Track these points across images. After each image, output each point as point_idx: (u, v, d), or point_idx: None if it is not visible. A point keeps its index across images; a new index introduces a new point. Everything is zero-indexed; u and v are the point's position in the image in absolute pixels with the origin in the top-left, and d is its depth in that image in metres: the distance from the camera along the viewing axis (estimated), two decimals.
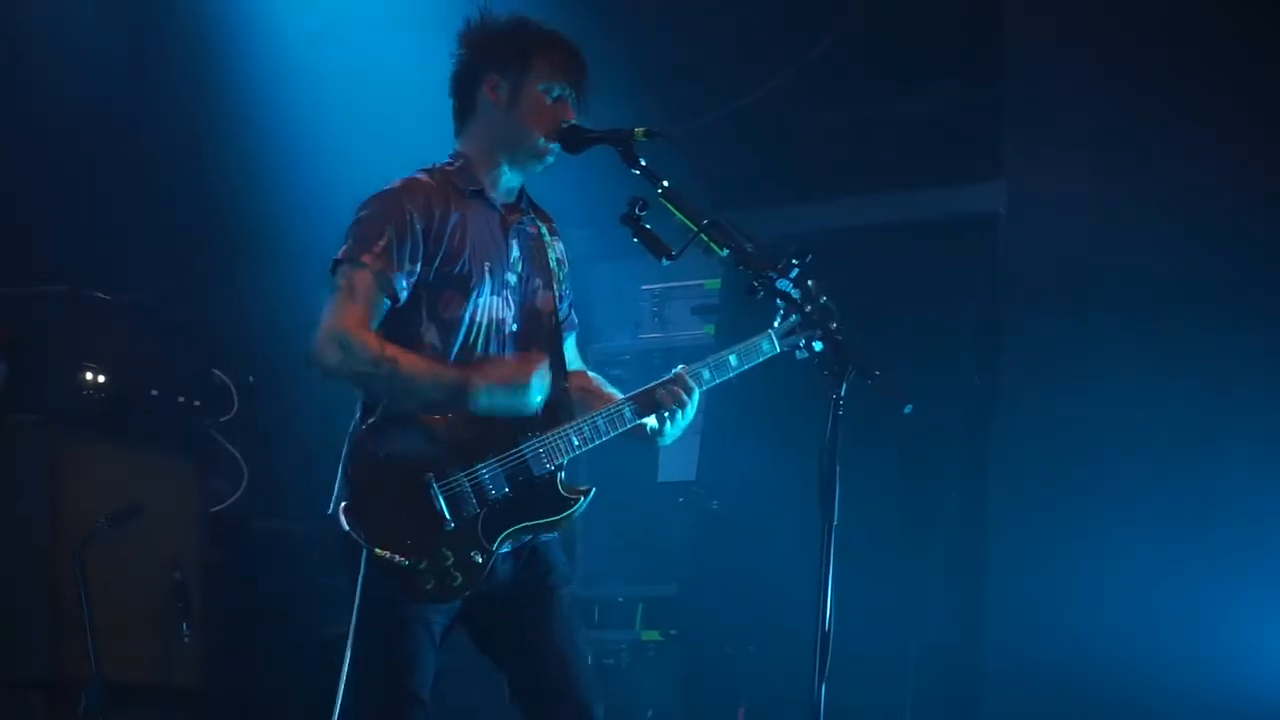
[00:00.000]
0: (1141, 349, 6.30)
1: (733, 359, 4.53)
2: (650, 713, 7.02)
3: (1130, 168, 6.39)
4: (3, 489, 6.60)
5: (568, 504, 4.42)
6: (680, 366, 4.54)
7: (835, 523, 3.87)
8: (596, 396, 4.61)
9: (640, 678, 7.08)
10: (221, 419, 7.42)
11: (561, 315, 4.67)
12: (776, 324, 4.46)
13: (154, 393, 7.15)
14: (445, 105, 4.66)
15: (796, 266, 4.09)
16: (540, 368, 4.36)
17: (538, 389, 4.35)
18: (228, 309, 7.75)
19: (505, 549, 4.40)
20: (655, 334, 7.73)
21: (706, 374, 4.54)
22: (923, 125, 7.36)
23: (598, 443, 4.44)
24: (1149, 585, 6.17)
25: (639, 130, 4.29)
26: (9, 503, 6.59)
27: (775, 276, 4.08)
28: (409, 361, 4.32)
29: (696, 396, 4.50)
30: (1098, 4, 6.56)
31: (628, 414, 4.47)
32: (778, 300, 4.25)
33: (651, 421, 4.49)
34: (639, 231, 4.30)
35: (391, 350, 4.31)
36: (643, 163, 4.28)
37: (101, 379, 6.93)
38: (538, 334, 4.56)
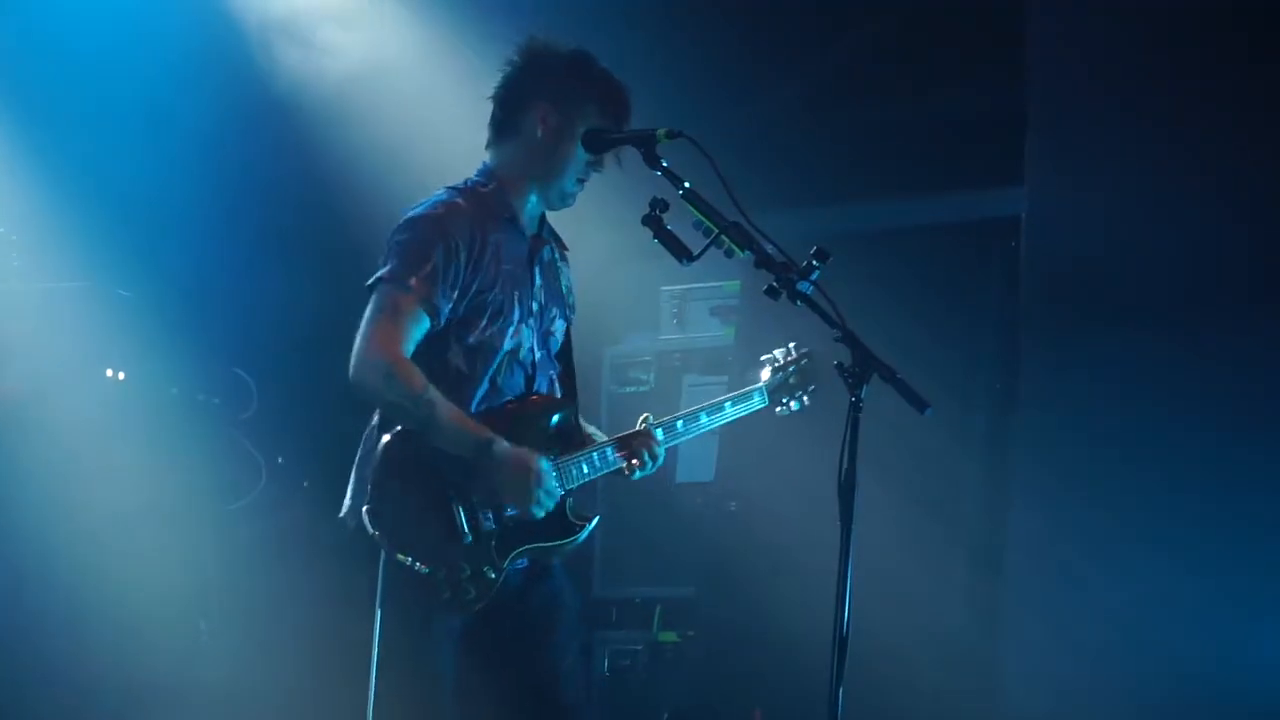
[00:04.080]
0: (1162, 352, 6.28)
1: (704, 416, 4.78)
2: (666, 714, 7.01)
3: (1152, 172, 6.37)
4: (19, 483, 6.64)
5: (572, 529, 4.52)
6: (646, 419, 4.71)
7: (854, 526, 3.87)
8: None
9: (657, 679, 7.08)
10: (241, 416, 7.44)
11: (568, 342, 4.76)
12: (766, 378, 4.80)
13: (173, 390, 7.17)
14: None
15: (818, 269, 4.07)
16: (552, 489, 4.41)
17: (544, 504, 4.40)
18: (247, 307, 7.77)
19: (515, 566, 4.47)
20: (675, 335, 7.73)
21: (680, 425, 4.75)
22: (945, 129, 7.36)
23: (594, 477, 4.58)
24: (1169, 586, 6.16)
25: (661, 131, 4.28)
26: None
27: (796, 279, 4.07)
28: (445, 409, 4.33)
29: (662, 451, 4.67)
30: (1121, 9, 6.54)
31: (610, 456, 4.62)
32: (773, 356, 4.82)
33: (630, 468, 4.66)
34: (659, 232, 4.30)
35: (432, 394, 4.33)
36: (664, 163, 4.28)
37: (121, 376, 6.95)
38: (554, 360, 4.66)
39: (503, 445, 4.33)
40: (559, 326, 4.66)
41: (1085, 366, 6.44)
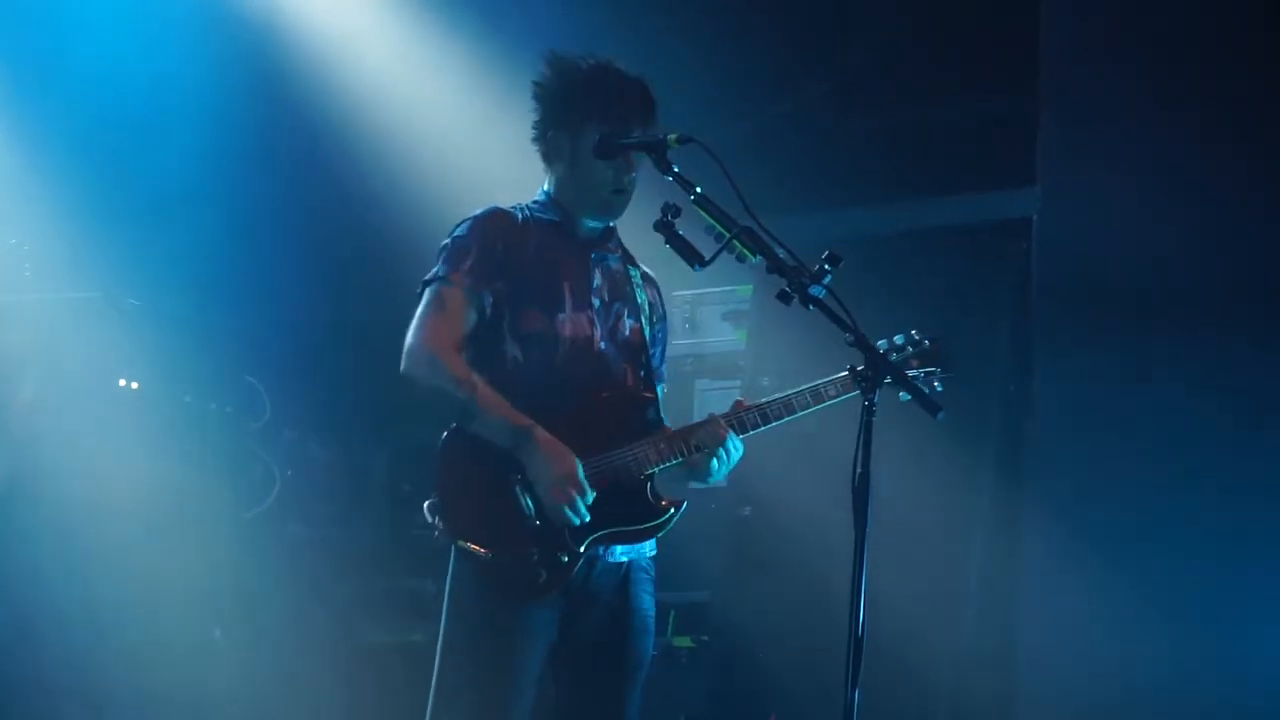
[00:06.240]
0: (1175, 354, 6.28)
1: (795, 401, 4.52)
2: (682, 718, 7.01)
3: (1164, 173, 6.37)
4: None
5: (658, 513, 4.48)
6: (716, 416, 4.54)
7: (867, 529, 3.86)
8: None
9: (672, 684, 7.07)
10: (254, 425, 7.46)
11: (652, 358, 4.70)
12: (846, 373, 4.43)
13: (187, 399, 7.19)
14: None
15: (830, 273, 4.07)
16: (584, 498, 4.34)
17: (571, 511, 4.33)
18: (260, 315, 7.79)
19: (598, 556, 4.45)
20: (687, 340, 7.72)
21: (764, 416, 4.53)
22: (958, 132, 7.36)
23: (671, 464, 4.48)
24: (1183, 595, 6.15)
25: (672, 136, 4.29)
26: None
27: (808, 283, 4.07)
28: (486, 394, 4.39)
29: (735, 440, 4.50)
30: (1132, 14, 6.54)
31: (680, 446, 4.49)
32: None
33: (700, 458, 4.50)
34: (671, 238, 4.30)
35: (475, 379, 4.40)
36: (675, 169, 4.29)
37: (135, 385, 6.96)
38: (625, 357, 4.61)
39: (542, 434, 4.35)
40: (628, 324, 4.63)
41: (1098, 368, 6.44)
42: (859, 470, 3.88)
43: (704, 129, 4.34)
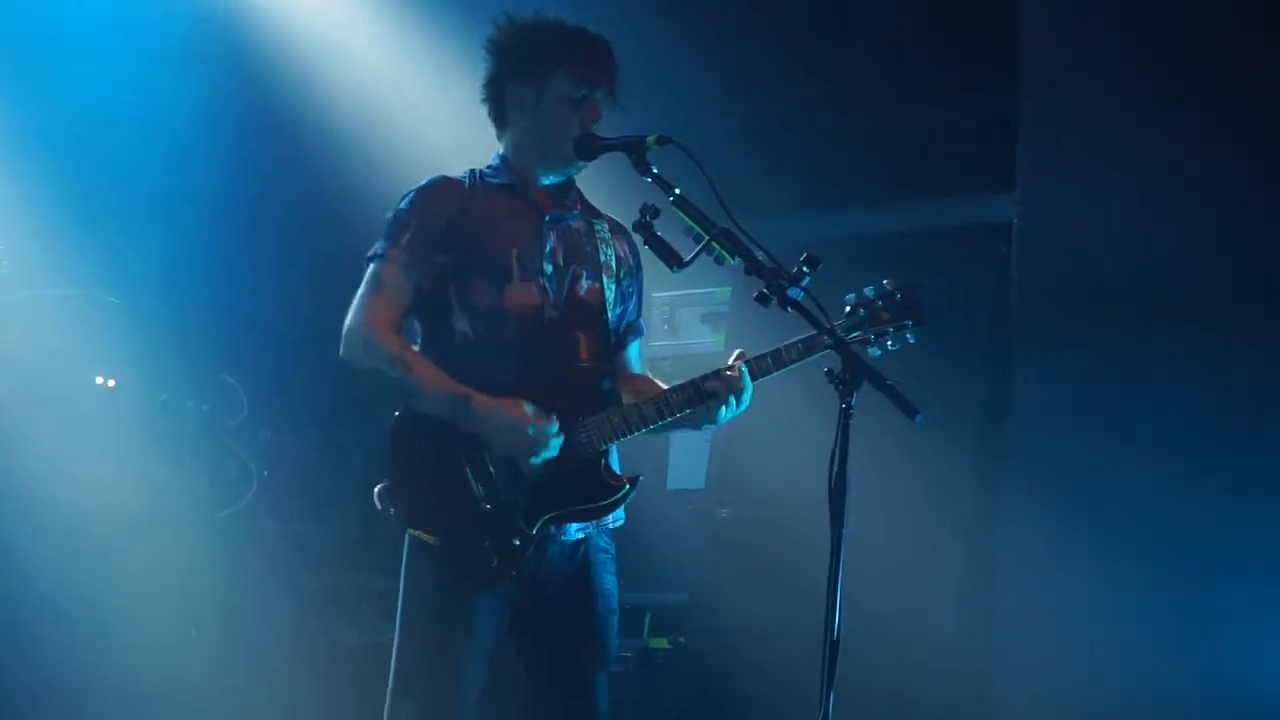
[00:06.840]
0: (1152, 356, 6.29)
1: (793, 351, 4.42)
2: None
3: (1143, 177, 6.39)
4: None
5: (612, 490, 4.43)
6: (736, 355, 4.47)
7: (845, 531, 3.86)
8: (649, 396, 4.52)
9: (649, 686, 7.07)
10: (231, 423, 7.44)
11: (618, 314, 4.67)
12: (846, 314, 4.41)
13: (164, 397, 7.17)
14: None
15: (808, 275, 4.07)
16: (546, 428, 4.32)
17: (541, 444, 4.31)
18: (237, 313, 7.77)
19: (550, 535, 4.41)
20: (666, 341, 7.71)
21: (767, 363, 4.45)
22: (937, 135, 7.37)
23: (645, 430, 4.43)
24: (1161, 591, 6.16)
25: (651, 137, 4.28)
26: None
27: (786, 285, 4.07)
28: (422, 368, 4.36)
29: (750, 388, 4.44)
30: (1113, 17, 6.55)
31: (675, 401, 4.44)
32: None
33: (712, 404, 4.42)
34: (650, 239, 4.30)
35: (409, 355, 4.38)
36: (654, 170, 4.28)
37: (112, 383, 6.94)
38: (579, 322, 4.55)
39: (481, 397, 4.30)
40: (585, 285, 4.57)
41: (1076, 371, 6.45)
42: (835, 472, 3.88)
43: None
